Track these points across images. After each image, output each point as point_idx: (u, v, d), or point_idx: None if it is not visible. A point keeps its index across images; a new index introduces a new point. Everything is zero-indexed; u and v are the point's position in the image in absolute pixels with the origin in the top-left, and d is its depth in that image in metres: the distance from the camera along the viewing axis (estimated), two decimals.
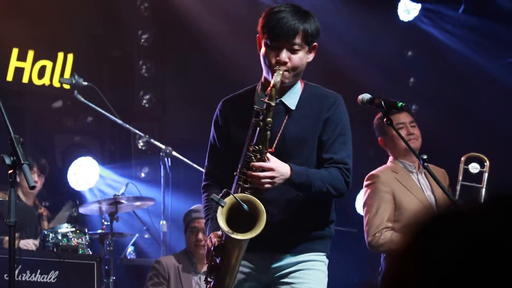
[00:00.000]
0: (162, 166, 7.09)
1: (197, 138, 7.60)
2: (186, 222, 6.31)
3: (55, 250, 6.11)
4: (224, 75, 8.38)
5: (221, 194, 3.35)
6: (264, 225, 3.33)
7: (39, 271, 5.78)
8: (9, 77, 7.96)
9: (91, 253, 6.28)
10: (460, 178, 5.37)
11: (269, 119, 3.40)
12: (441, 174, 5.10)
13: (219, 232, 3.47)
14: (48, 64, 8.15)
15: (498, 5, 8.52)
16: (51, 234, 6.22)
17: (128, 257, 7.84)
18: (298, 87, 3.64)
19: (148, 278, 6.22)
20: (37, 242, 6.32)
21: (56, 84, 8.12)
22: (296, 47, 3.49)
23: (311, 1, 6.99)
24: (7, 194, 3.64)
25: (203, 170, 3.88)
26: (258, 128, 3.43)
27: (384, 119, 3.88)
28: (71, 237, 6.24)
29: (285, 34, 3.47)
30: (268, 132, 3.42)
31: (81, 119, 8.54)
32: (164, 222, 7.06)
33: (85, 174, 7.93)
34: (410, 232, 1.13)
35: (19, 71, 8.00)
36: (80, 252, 6.21)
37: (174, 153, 7.02)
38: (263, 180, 3.40)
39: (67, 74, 8.04)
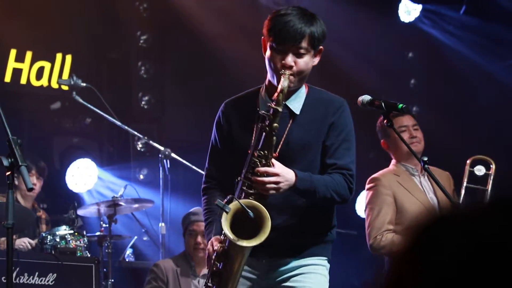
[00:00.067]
0: (161, 168, 7.07)
1: (196, 140, 7.60)
2: (185, 225, 6.29)
3: (53, 252, 6.10)
4: (223, 76, 8.37)
5: (225, 200, 3.33)
6: (269, 231, 3.31)
7: (37, 273, 5.77)
8: (7, 78, 7.94)
9: (89, 255, 6.27)
10: (465, 180, 5.38)
11: (275, 124, 3.37)
12: (446, 177, 5.14)
13: (221, 237, 3.45)
14: (46, 65, 8.12)
15: (500, 6, 8.49)
16: (49, 236, 6.21)
17: (127, 260, 7.82)
18: (303, 91, 3.61)
19: (146, 281, 6.20)
20: (32, 241, 6.29)
21: (54, 85, 8.10)
22: (302, 51, 3.46)
23: (311, 2, 6.96)
24: (5, 196, 3.61)
25: (202, 172, 3.85)
26: (264, 134, 3.39)
27: (385, 121, 3.85)
28: (69, 239, 6.23)
29: (291, 37, 3.43)
30: (274, 138, 3.40)
31: (79, 121, 8.51)
32: (163, 224, 7.03)
33: (83, 176, 7.92)
34: (411, 234, 1.13)
35: (17, 72, 7.98)
36: (78, 254, 6.21)
37: (173, 155, 6.99)
38: (268, 186, 3.37)
39: (65, 75, 8.02)
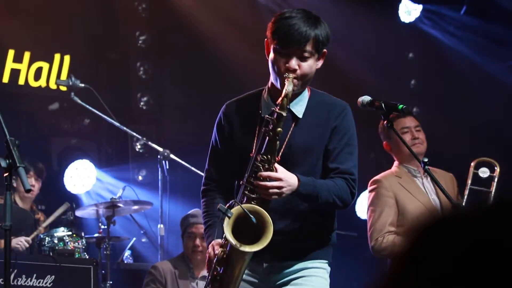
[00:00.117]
0: (159, 169, 7.05)
1: (195, 141, 7.58)
2: (184, 227, 6.27)
3: (51, 254, 6.09)
4: (222, 77, 8.36)
5: (228, 205, 3.31)
6: (271, 236, 3.29)
7: (35, 275, 5.76)
8: (5, 78, 7.93)
9: (87, 257, 6.27)
10: (469, 182, 5.37)
11: (279, 129, 3.34)
12: (449, 178, 5.16)
13: (221, 240, 3.43)
14: (45, 65, 8.11)
15: (500, 6, 8.48)
16: (47, 238, 6.20)
17: (125, 261, 7.80)
18: (306, 95, 3.59)
19: (144, 283, 6.18)
20: (28, 238, 6.27)
21: (53, 86, 8.08)
22: (306, 54, 3.42)
23: (311, 3, 6.93)
24: (3, 198, 3.59)
25: (201, 173, 3.83)
26: (267, 138, 3.36)
27: (385, 122, 3.83)
28: (67, 241, 6.22)
29: (296, 41, 3.39)
30: (278, 142, 3.37)
31: (77, 122, 8.49)
32: (162, 226, 7.02)
33: (82, 177, 7.91)
34: (412, 235, 1.13)
35: (15, 73, 7.97)
36: (77, 256, 6.21)
37: (172, 156, 6.97)
38: (270, 190, 3.34)
39: (63, 76, 8.01)
